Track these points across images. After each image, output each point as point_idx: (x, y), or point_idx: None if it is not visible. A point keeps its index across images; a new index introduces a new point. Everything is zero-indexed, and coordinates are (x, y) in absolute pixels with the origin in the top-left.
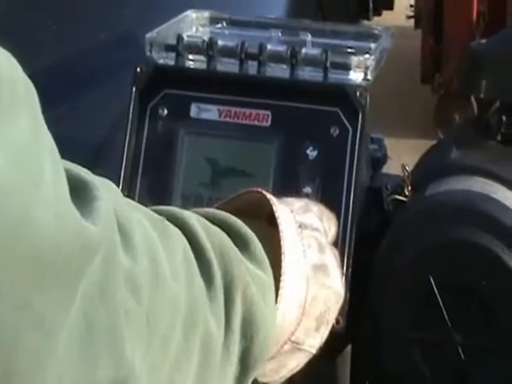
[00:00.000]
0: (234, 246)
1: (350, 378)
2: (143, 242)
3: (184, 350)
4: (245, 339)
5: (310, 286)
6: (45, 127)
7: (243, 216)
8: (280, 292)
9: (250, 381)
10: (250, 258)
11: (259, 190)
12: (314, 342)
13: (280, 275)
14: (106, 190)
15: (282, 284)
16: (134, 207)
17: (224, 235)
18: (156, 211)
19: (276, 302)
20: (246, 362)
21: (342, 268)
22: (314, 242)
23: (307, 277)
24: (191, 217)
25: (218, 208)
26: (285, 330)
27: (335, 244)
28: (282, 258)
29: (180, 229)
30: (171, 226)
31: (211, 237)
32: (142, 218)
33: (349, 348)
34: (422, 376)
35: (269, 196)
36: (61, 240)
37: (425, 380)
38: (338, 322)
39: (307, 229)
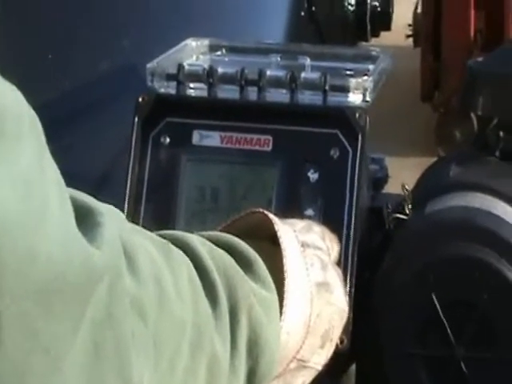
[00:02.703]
0: (237, 267)
1: None
2: (148, 266)
3: (191, 370)
4: (251, 359)
5: (314, 303)
6: (50, 159)
7: (246, 237)
8: (284, 310)
9: None
10: (253, 278)
11: (261, 210)
12: (319, 359)
13: (284, 293)
14: (111, 216)
15: (285, 302)
16: (138, 232)
17: (228, 257)
18: (160, 235)
19: (280, 320)
20: (252, 381)
21: (345, 287)
22: (317, 261)
23: (311, 294)
24: (195, 240)
25: (221, 230)
26: (290, 347)
27: (338, 263)
28: (285, 276)
29: (184, 252)
30: (175, 249)
31: (215, 259)
32: (147, 242)
33: (353, 367)
34: None
35: (271, 216)
36: (67, 270)
37: None
38: (342, 341)
39: (310, 248)
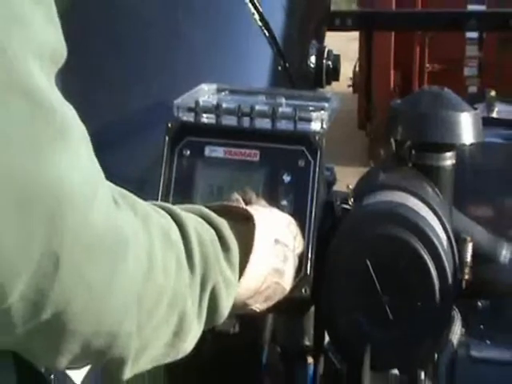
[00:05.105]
0: (219, 251)
1: (313, 328)
2: (144, 246)
3: (165, 319)
4: (209, 318)
5: (267, 279)
6: (95, 157)
7: (224, 215)
8: (241, 279)
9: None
10: (227, 259)
11: (251, 214)
12: (259, 306)
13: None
14: (124, 203)
15: (244, 275)
16: (148, 217)
17: (213, 242)
18: (168, 210)
19: (239, 281)
20: (209, 323)
21: (307, 256)
22: (282, 255)
23: (266, 274)
24: (191, 227)
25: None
26: (240, 297)
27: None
28: (250, 258)
29: (180, 232)
30: (174, 239)
31: (202, 245)
32: (153, 228)
33: (313, 308)
34: (362, 328)
35: (255, 222)
36: (106, 233)
37: (363, 330)
38: (305, 291)
39: (280, 244)
